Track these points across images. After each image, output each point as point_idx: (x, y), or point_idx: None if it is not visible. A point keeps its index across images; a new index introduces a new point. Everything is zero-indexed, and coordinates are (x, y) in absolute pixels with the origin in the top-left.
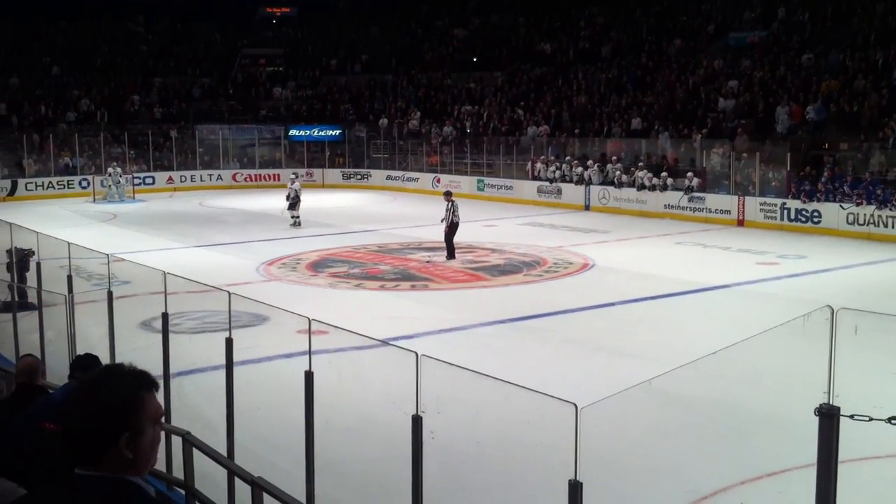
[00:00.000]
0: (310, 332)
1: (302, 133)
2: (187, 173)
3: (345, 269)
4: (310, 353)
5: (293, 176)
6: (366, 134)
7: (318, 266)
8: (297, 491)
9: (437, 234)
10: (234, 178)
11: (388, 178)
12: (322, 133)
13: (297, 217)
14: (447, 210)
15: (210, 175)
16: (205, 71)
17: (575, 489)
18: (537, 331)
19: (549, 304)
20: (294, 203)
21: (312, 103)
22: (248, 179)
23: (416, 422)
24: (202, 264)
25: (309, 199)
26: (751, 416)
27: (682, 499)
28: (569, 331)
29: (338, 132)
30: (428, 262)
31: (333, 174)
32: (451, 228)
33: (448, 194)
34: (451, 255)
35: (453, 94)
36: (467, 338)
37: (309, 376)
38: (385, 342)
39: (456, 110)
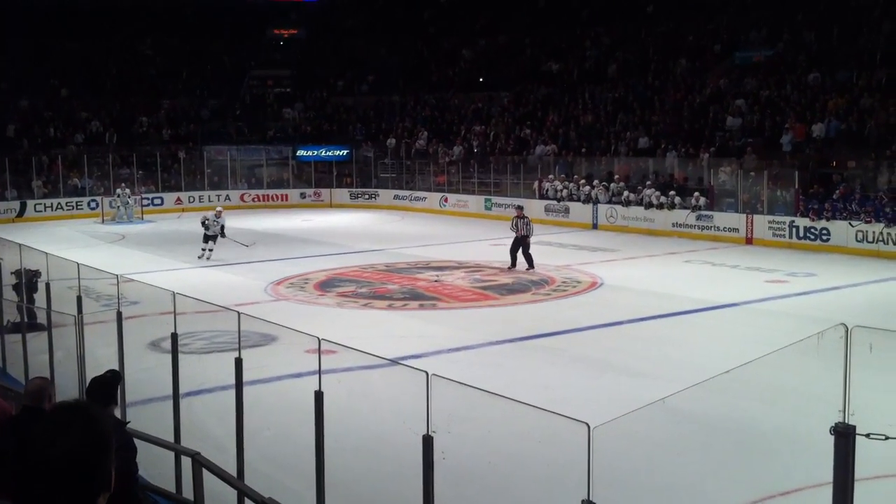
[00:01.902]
0: (319, 351)
1: (309, 153)
2: (195, 194)
3: (353, 288)
4: (319, 372)
5: (220, 209)
6: (373, 154)
7: (325, 286)
8: None
9: (445, 253)
10: (241, 198)
11: (396, 197)
12: (329, 153)
13: (206, 250)
14: (516, 223)
15: (218, 196)
16: (213, 92)
17: None
18: (546, 349)
19: (558, 322)
20: (212, 236)
21: (320, 123)
22: (255, 199)
23: (427, 442)
24: (210, 284)
25: (317, 219)
26: (765, 434)
27: None
28: (578, 349)
29: (345, 152)
30: (436, 281)
31: (341, 194)
32: (516, 241)
33: (519, 209)
34: (513, 264)
35: (460, 113)
36: (476, 357)
37: (319, 396)
38: (395, 361)
39: (463, 130)
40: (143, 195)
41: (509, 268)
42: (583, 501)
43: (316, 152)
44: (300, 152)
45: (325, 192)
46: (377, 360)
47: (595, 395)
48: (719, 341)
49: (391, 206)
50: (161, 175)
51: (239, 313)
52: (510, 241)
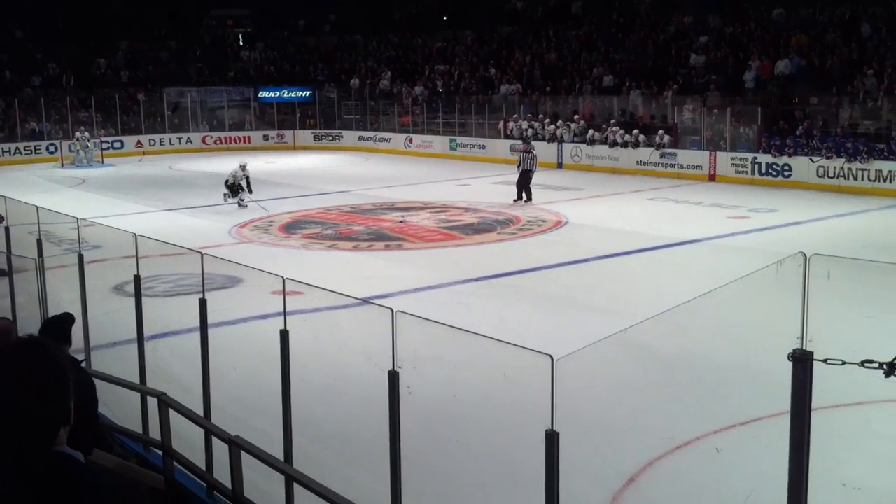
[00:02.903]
0: (284, 290)
1: (272, 95)
2: (156, 137)
3: (318, 230)
4: (284, 311)
5: (245, 163)
6: (336, 95)
7: (291, 228)
8: (275, 449)
9: (410, 194)
10: (203, 140)
11: (360, 138)
12: (292, 94)
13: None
14: (521, 158)
15: (179, 138)
16: (171, 33)
17: (552, 439)
18: (512, 288)
19: (524, 261)
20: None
21: (282, 64)
22: (217, 142)
23: (393, 377)
24: (174, 228)
25: (281, 161)
26: (725, 365)
27: (658, 448)
28: (544, 287)
29: (308, 93)
30: (401, 222)
31: (305, 136)
32: (523, 174)
33: (526, 143)
34: (524, 197)
35: (424, 53)
36: (443, 296)
37: (284, 335)
38: (361, 300)
39: (427, 70)
40: (103, 139)
41: (514, 201)
42: (547, 432)
43: (278, 94)
44: (262, 94)
45: (288, 133)
46: (344, 300)
47: (560, 331)
48: (683, 277)
49: (355, 148)
50: (120, 118)
51: (202, 254)
52: (515, 177)
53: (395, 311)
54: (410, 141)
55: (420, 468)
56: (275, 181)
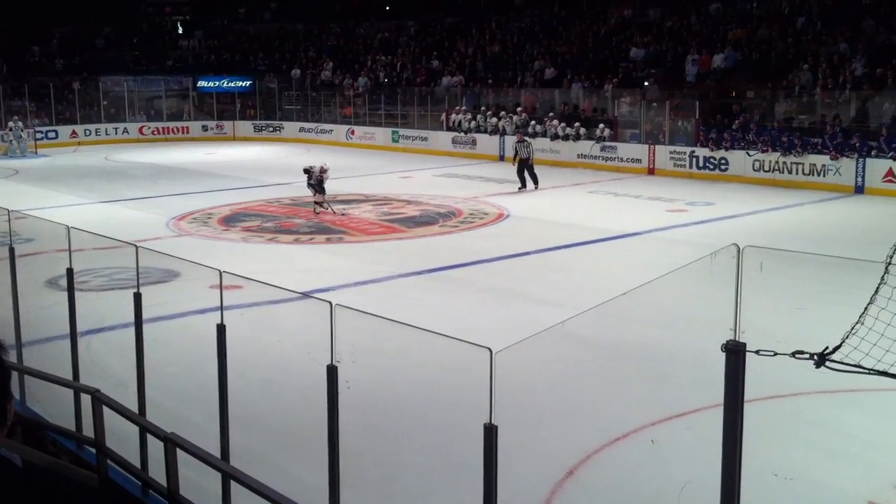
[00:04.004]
0: (221, 283)
1: (211, 84)
2: (91, 126)
3: (258, 223)
4: (221, 305)
5: (327, 165)
6: (277, 85)
7: (230, 220)
8: (212, 445)
9: (352, 186)
10: (140, 131)
11: (302, 130)
12: (232, 84)
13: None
14: (517, 148)
15: (115, 128)
16: (107, 19)
17: (490, 432)
18: (454, 280)
19: (466, 254)
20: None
21: (221, 53)
22: (155, 133)
23: (331, 371)
24: (110, 220)
25: (220, 152)
26: (663, 356)
27: (596, 439)
28: (486, 280)
29: (248, 83)
30: (343, 214)
31: (245, 126)
32: (521, 164)
33: (520, 133)
34: (523, 185)
35: (366, 43)
36: (385, 289)
37: (221, 329)
38: (301, 294)
39: (369, 60)
40: (37, 128)
41: (520, 188)
42: (485, 425)
43: (217, 83)
44: (201, 83)
45: (227, 124)
46: (283, 294)
47: (502, 323)
48: (622, 269)
49: (297, 139)
50: (55, 107)
51: (137, 247)
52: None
53: (333, 305)
54: (352, 132)
55: (360, 462)
56: (214, 172)
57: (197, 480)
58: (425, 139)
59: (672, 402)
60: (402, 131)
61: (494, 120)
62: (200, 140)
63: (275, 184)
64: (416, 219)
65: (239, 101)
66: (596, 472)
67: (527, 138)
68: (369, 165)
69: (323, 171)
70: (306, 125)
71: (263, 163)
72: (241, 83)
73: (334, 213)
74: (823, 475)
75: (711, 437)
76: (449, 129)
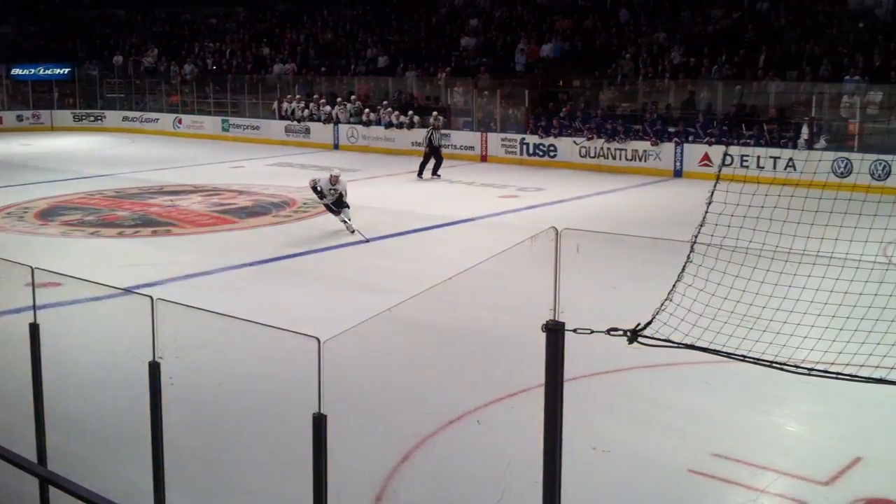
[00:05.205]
0: (33, 281)
1: (26, 72)
2: None
3: (79, 216)
4: (34, 304)
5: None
6: (98, 72)
7: (47, 214)
8: (28, 450)
9: (180, 177)
10: None
11: (125, 119)
12: (49, 72)
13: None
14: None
15: None
16: None
17: (319, 422)
18: (289, 271)
19: (300, 244)
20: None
21: (37, 39)
22: None
23: (153, 368)
24: None
25: (37, 143)
26: (491, 338)
27: (428, 424)
28: (320, 269)
29: (67, 71)
30: (171, 206)
31: (63, 116)
32: (430, 151)
33: (436, 119)
34: (427, 171)
35: (193, 29)
36: (215, 281)
37: (34, 329)
38: (123, 290)
39: (196, 47)
40: None
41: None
42: (314, 415)
43: (33, 71)
44: (15, 71)
45: (45, 113)
46: (105, 290)
47: (337, 312)
48: (456, 255)
49: (120, 129)
50: None
51: None
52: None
53: (154, 300)
54: (180, 122)
55: (187, 459)
56: (30, 164)
57: (14, 486)
58: (257, 128)
59: (502, 382)
60: (232, 120)
61: (328, 108)
62: (15, 130)
63: (96, 175)
64: (248, 209)
65: (57, 90)
66: (432, 456)
67: (438, 125)
68: (199, 155)
69: (334, 180)
70: (130, 114)
71: (84, 153)
72: (58, 71)
73: (362, 236)
74: (643, 447)
75: (536, 415)
76: (282, 117)
